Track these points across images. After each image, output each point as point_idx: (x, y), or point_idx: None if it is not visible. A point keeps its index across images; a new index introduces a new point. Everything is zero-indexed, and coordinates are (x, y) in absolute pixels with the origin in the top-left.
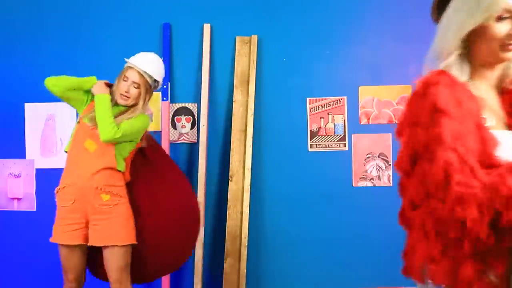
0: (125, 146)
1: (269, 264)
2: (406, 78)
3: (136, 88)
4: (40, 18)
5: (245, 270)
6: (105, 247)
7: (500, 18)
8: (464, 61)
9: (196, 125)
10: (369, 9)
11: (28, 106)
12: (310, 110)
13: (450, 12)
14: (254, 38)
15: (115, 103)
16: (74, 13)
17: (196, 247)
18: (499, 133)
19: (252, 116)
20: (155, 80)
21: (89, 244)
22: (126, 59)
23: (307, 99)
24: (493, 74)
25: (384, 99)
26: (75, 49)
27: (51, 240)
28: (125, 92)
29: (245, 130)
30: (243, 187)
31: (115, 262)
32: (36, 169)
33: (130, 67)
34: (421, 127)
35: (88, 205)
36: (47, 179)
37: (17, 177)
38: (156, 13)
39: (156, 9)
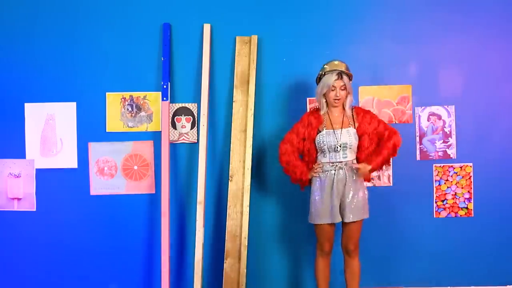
0: None
1: (269, 264)
2: (406, 78)
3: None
4: (40, 18)
5: (245, 270)
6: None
7: (331, 89)
8: (324, 103)
9: (196, 125)
10: (369, 9)
11: (28, 106)
12: (310, 110)
13: (318, 85)
14: (254, 38)
15: None
16: (74, 13)
17: (196, 247)
18: (325, 131)
19: (252, 116)
20: None
21: None
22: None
23: (307, 99)
24: (336, 109)
25: (384, 99)
26: (75, 49)
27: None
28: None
29: (245, 130)
30: (243, 187)
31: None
32: (36, 169)
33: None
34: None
35: None
36: (47, 179)
37: (17, 177)
38: (156, 13)
39: (156, 9)
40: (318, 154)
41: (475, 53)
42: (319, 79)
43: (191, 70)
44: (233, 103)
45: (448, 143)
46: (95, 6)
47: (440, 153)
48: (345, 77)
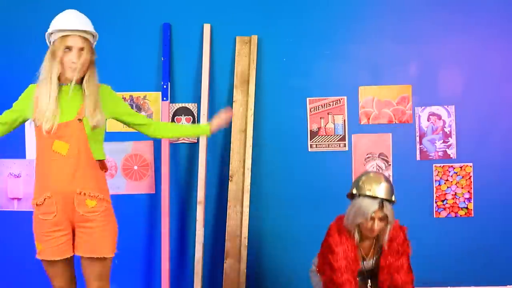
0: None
1: (269, 264)
2: (406, 78)
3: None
4: (40, 17)
5: (245, 270)
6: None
7: (369, 219)
8: (357, 231)
9: None
10: (369, 9)
11: None
12: (310, 110)
13: (350, 210)
14: (254, 38)
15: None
16: None
17: (196, 247)
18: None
19: (252, 116)
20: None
21: (78, 254)
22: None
23: (307, 99)
24: (369, 239)
25: (384, 99)
26: None
27: (38, 256)
28: (73, 62)
29: (245, 130)
30: (243, 187)
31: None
32: None
33: (65, 35)
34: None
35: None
36: None
37: (17, 177)
38: (156, 13)
39: (156, 9)
40: None
41: (475, 53)
42: (351, 197)
43: (191, 70)
44: (233, 103)
45: (448, 143)
46: (95, 6)
47: (440, 153)
48: (387, 205)
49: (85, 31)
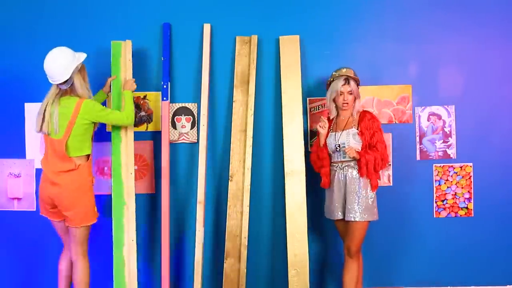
0: None
1: (269, 264)
2: (406, 78)
3: None
4: (40, 18)
5: (245, 270)
6: None
7: (339, 94)
8: (334, 108)
9: (196, 125)
10: (369, 9)
11: (28, 106)
12: (310, 110)
13: (328, 91)
14: (254, 38)
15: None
16: (74, 14)
17: (196, 247)
18: (331, 133)
19: (252, 116)
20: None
21: None
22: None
23: (307, 99)
24: (345, 113)
25: (384, 99)
26: (75, 49)
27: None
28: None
29: (245, 130)
30: (243, 187)
31: None
32: (36, 169)
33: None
34: None
35: None
36: None
37: (17, 177)
38: (156, 13)
39: (156, 9)
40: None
41: (475, 53)
42: (328, 86)
43: (191, 70)
44: (233, 103)
45: (448, 143)
46: (95, 6)
47: (440, 153)
48: (352, 82)
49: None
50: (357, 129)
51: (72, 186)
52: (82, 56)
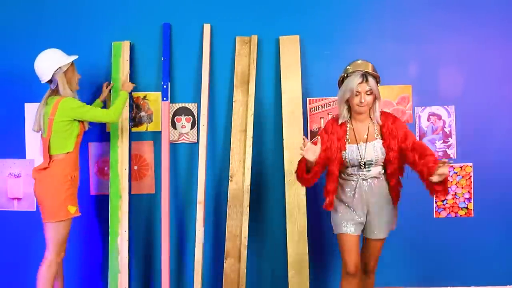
0: None
1: (269, 264)
2: (406, 78)
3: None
4: (41, 18)
5: (245, 270)
6: None
7: (355, 94)
8: (345, 110)
9: (196, 125)
10: (369, 9)
11: (28, 106)
12: (310, 110)
13: (340, 90)
14: (254, 38)
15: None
16: (74, 14)
17: (196, 247)
18: (348, 147)
19: (252, 116)
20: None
21: None
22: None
23: (307, 99)
24: (361, 117)
25: (384, 99)
26: (75, 49)
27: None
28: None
29: (245, 130)
30: (243, 187)
31: None
32: None
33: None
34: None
35: None
36: None
37: (17, 177)
38: (156, 13)
39: (156, 9)
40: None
41: (475, 53)
42: (341, 82)
43: (191, 70)
44: (233, 103)
45: (448, 143)
46: (95, 6)
47: (440, 153)
48: (371, 80)
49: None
50: (381, 138)
51: (43, 181)
52: (66, 58)
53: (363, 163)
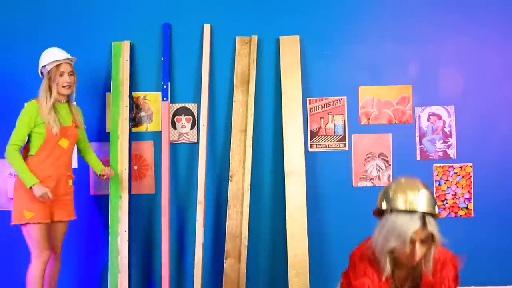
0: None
1: (269, 264)
2: (406, 78)
3: (71, 75)
4: (41, 18)
5: (245, 270)
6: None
7: (408, 242)
8: (389, 262)
9: (196, 125)
10: (369, 9)
11: None
12: (310, 110)
13: (379, 230)
14: (254, 38)
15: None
16: (74, 14)
17: (196, 247)
18: None
19: (252, 116)
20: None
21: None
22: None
23: (307, 99)
24: (405, 268)
25: (384, 99)
26: (75, 49)
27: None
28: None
29: (245, 130)
30: (243, 187)
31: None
32: None
33: (60, 63)
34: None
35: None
36: None
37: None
38: (156, 13)
39: (156, 9)
40: None
41: (475, 53)
42: (378, 216)
43: (191, 70)
44: (233, 103)
45: (448, 143)
46: (95, 6)
47: (440, 153)
48: (431, 221)
49: (70, 59)
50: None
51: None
52: (49, 57)
53: None
